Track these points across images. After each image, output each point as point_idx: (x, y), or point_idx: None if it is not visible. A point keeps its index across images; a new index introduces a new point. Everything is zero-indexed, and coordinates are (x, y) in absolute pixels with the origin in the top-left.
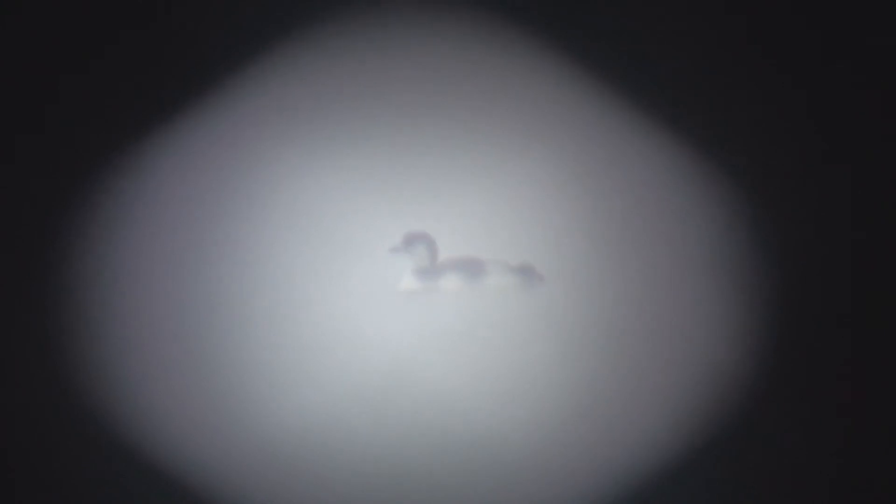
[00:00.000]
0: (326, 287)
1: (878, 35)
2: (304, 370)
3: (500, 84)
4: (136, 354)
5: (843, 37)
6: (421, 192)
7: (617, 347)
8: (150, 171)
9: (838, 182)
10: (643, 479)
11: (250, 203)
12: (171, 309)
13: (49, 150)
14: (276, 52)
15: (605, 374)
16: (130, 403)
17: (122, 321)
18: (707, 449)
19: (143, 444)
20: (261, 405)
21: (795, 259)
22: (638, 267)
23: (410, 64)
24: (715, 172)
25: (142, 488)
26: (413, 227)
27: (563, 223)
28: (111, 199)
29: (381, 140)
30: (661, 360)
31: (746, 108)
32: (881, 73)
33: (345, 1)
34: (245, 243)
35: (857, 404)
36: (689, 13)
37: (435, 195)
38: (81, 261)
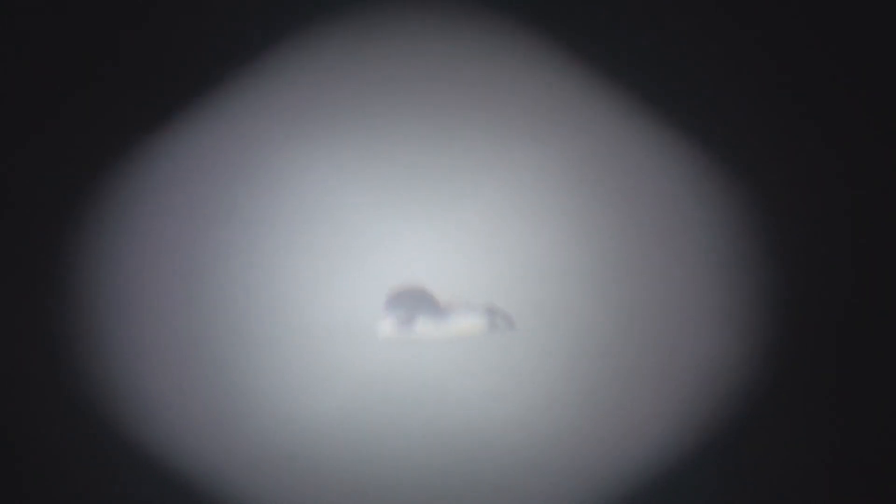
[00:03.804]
0: (330, 293)
1: (880, 36)
2: (307, 371)
3: (505, 86)
4: (139, 356)
5: (846, 38)
6: (423, 193)
7: (618, 349)
8: (151, 173)
9: (842, 184)
10: (646, 482)
11: (254, 204)
12: (174, 309)
13: (50, 151)
14: (278, 53)
15: (607, 376)
16: (131, 404)
17: (125, 322)
18: (710, 450)
19: (144, 444)
20: (263, 406)
21: (799, 260)
22: (639, 268)
23: (414, 65)
24: (719, 174)
25: (142, 489)
26: (397, 284)
27: (566, 222)
28: (113, 199)
29: (384, 142)
30: (664, 362)
31: (752, 109)
32: (884, 73)
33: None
34: (249, 245)
35: (859, 405)
36: (698, 14)
37: (438, 197)
38: (84, 261)
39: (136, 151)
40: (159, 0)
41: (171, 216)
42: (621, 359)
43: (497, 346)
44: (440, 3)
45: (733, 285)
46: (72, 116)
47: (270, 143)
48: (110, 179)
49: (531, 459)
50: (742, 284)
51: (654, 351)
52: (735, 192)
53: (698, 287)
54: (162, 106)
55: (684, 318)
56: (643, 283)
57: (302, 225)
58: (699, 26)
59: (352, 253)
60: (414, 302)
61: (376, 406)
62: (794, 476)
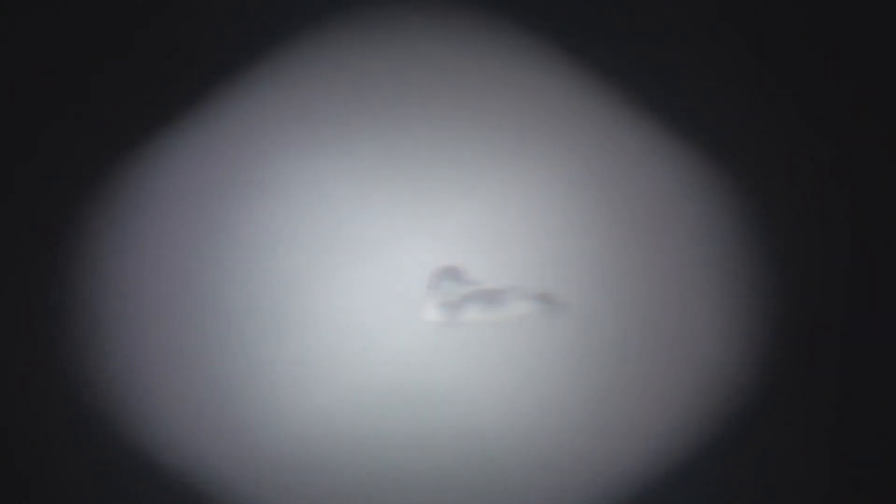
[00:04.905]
0: (333, 291)
1: (879, 37)
2: (310, 374)
3: (511, 87)
4: (141, 357)
5: (845, 38)
6: (430, 196)
7: (619, 351)
8: (152, 173)
9: (842, 186)
10: (646, 482)
11: (258, 205)
12: (177, 311)
13: (50, 149)
14: (280, 52)
15: (608, 378)
16: (134, 406)
17: (126, 323)
18: (709, 452)
19: (147, 448)
20: (266, 409)
21: (797, 262)
22: (639, 270)
23: (418, 66)
24: (719, 176)
25: (145, 491)
26: (440, 262)
27: (566, 225)
28: (113, 199)
29: (392, 144)
30: (664, 364)
31: (750, 110)
32: (883, 74)
33: (350, 1)
34: (252, 246)
35: (857, 406)
36: (699, 15)
37: (444, 200)
38: (85, 261)
39: (139, 152)
40: (163, 2)
41: (176, 216)
42: (623, 359)
43: (499, 346)
44: (443, 4)
45: (735, 287)
46: (73, 118)
47: (277, 142)
48: (114, 180)
49: (533, 459)
50: (744, 286)
51: (656, 351)
52: (736, 195)
53: (700, 289)
54: (164, 107)
55: (686, 319)
56: (645, 285)
57: (312, 223)
58: (700, 29)
59: (369, 247)
60: (454, 279)
61: (389, 407)
62: (794, 476)
